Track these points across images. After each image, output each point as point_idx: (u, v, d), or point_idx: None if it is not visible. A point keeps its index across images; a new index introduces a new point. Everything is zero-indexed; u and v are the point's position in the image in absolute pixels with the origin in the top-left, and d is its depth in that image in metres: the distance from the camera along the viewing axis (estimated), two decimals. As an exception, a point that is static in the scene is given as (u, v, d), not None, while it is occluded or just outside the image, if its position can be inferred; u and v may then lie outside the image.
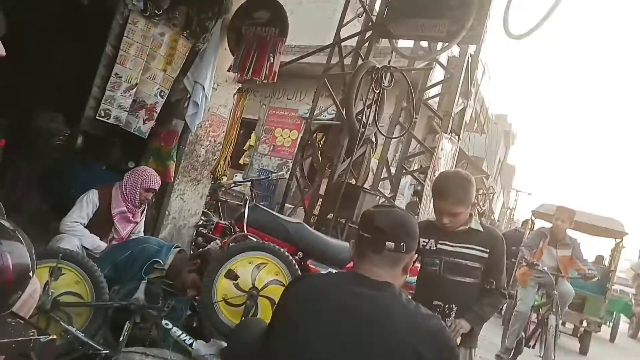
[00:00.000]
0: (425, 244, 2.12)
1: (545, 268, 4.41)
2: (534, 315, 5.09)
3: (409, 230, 1.33)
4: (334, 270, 2.57)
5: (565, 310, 4.96)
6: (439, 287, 2.09)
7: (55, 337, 1.21)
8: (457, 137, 5.76)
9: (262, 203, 5.30)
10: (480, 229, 2.10)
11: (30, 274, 1.20)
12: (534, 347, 4.85)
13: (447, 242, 2.09)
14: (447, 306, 2.06)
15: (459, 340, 2.00)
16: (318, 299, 1.29)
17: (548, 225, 5.39)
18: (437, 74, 6.60)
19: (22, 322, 1.23)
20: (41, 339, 1.17)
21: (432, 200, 2.14)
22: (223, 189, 5.73)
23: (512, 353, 4.82)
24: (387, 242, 1.28)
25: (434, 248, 2.10)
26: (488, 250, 2.06)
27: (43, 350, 1.19)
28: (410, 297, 1.33)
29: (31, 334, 1.17)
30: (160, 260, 2.37)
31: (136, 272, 2.36)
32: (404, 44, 6.89)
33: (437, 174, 5.53)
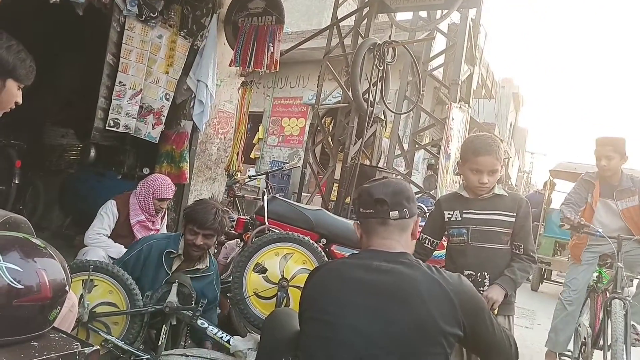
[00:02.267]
0: (450, 216, 2.11)
1: (601, 230, 2.91)
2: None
3: (407, 195, 1.36)
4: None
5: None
6: (469, 256, 2.06)
7: (98, 347, 1.22)
8: (466, 105, 5.65)
9: (278, 194, 5.30)
10: (504, 193, 2.07)
11: (67, 288, 1.21)
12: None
13: (472, 211, 2.06)
14: (479, 274, 2.03)
15: (496, 310, 1.98)
16: (340, 282, 1.30)
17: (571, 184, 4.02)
18: (439, 44, 6.48)
19: (65, 336, 1.24)
20: (85, 351, 1.18)
21: (463, 165, 2.09)
22: (238, 184, 5.74)
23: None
24: (390, 212, 1.31)
25: (460, 218, 2.08)
26: (514, 214, 2.03)
27: (88, 361, 1.21)
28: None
29: (75, 347, 1.18)
30: (173, 250, 2.37)
31: (156, 269, 2.35)
32: (403, 16, 6.76)
33: (450, 145, 5.46)
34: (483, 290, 1.99)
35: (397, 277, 1.25)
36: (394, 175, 5.52)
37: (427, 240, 2.20)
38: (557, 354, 3.41)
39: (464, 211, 2.08)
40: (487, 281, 2.03)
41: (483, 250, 2.03)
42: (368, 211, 1.35)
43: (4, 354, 1.06)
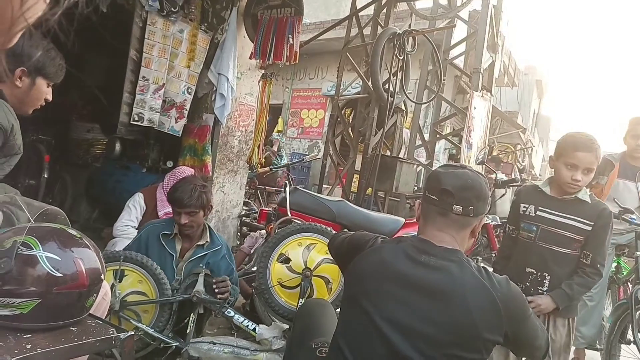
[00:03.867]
0: (525, 209, 2.06)
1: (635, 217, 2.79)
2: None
3: (478, 193, 1.25)
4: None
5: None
6: (533, 254, 2.02)
7: (133, 333, 1.27)
8: (488, 93, 5.57)
9: (300, 186, 5.34)
10: (588, 200, 1.98)
11: (102, 276, 1.26)
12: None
13: (547, 210, 2.00)
14: (539, 274, 1.99)
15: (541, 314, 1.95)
16: (385, 271, 1.26)
17: None
18: (460, 32, 6.39)
19: (101, 322, 1.29)
20: (121, 336, 1.23)
21: (557, 159, 2.00)
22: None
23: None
24: (454, 206, 1.23)
25: (533, 214, 2.03)
26: (592, 223, 1.94)
27: (124, 347, 1.26)
28: (480, 265, 1.28)
29: (111, 332, 1.23)
30: (167, 232, 2.44)
31: (159, 252, 2.41)
32: (423, 5, 6.68)
33: (472, 134, 5.40)
34: (540, 289, 1.97)
35: (444, 276, 1.20)
36: (415, 166, 5.49)
37: (512, 229, 2.16)
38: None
39: (540, 208, 2.02)
40: (547, 282, 1.98)
41: (548, 252, 1.98)
42: (432, 197, 1.27)
43: (47, 339, 1.11)
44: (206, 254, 2.44)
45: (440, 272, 1.20)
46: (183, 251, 2.46)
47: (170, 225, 2.47)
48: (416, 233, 1.36)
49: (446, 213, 1.25)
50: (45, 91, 1.65)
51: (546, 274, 1.99)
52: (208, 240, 2.48)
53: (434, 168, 6.17)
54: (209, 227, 2.53)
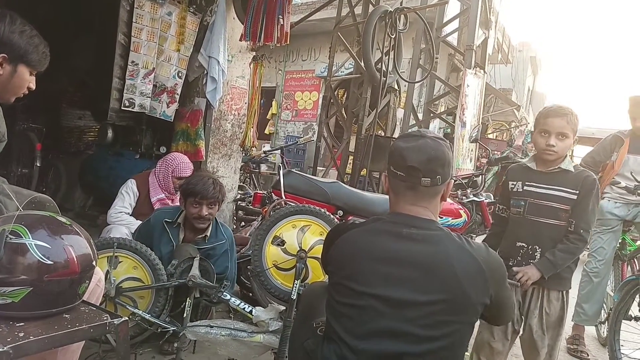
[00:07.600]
0: (513, 186, 2.12)
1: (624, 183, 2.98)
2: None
3: (442, 161, 1.27)
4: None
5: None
6: (523, 228, 2.06)
7: (127, 318, 1.27)
8: (482, 71, 5.54)
9: (294, 169, 5.33)
10: (571, 169, 2.02)
11: (94, 263, 1.26)
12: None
13: (533, 184, 2.06)
14: (530, 247, 2.04)
15: (526, 286, 1.98)
16: (369, 250, 1.27)
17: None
18: (453, 8, 6.31)
19: (95, 308, 1.30)
20: (115, 322, 1.24)
21: (534, 131, 2.10)
22: (254, 160, 5.79)
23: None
24: (422, 179, 1.25)
25: (520, 190, 2.09)
26: (577, 192, 1.98)
27: (118, 332, 1.26)
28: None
29: (105, 318, 1.24)
30: (168, 219, 2.47)
31: (160, 237, 2.45)
32: (414, -18, 6.58)
33: (465, 112, 5.38)
34: (532, 262, 2.00)
35: (430, 247, 1.23)
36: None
37: (502, 209, 2.22)
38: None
39: (527, 183, 2.08)
40: (538, 255, 2.02)
41: (537, 224, 2.02)
42: (398, 173, 1.28)
43: (39, 326, 1.12)
44: (204, 247, 2.47)
45: (425, 244, 1.23)
46: (186, 241, 2.49)
47: (175, 213, 2.50)
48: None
49: (415, 187, 1.27)
50: (27, 79, 1.59)
51: (537, 247, 2.03)
52: (208, 234, 2.51)
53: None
54: (216, 221, 2.56)
